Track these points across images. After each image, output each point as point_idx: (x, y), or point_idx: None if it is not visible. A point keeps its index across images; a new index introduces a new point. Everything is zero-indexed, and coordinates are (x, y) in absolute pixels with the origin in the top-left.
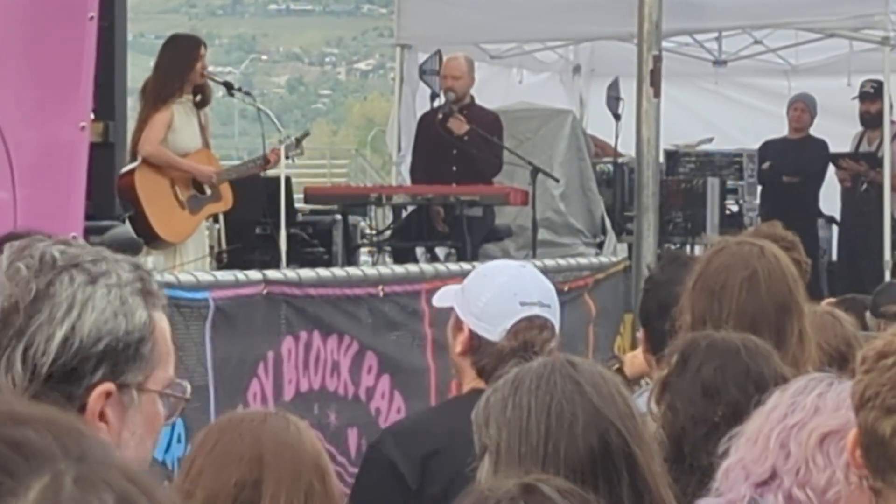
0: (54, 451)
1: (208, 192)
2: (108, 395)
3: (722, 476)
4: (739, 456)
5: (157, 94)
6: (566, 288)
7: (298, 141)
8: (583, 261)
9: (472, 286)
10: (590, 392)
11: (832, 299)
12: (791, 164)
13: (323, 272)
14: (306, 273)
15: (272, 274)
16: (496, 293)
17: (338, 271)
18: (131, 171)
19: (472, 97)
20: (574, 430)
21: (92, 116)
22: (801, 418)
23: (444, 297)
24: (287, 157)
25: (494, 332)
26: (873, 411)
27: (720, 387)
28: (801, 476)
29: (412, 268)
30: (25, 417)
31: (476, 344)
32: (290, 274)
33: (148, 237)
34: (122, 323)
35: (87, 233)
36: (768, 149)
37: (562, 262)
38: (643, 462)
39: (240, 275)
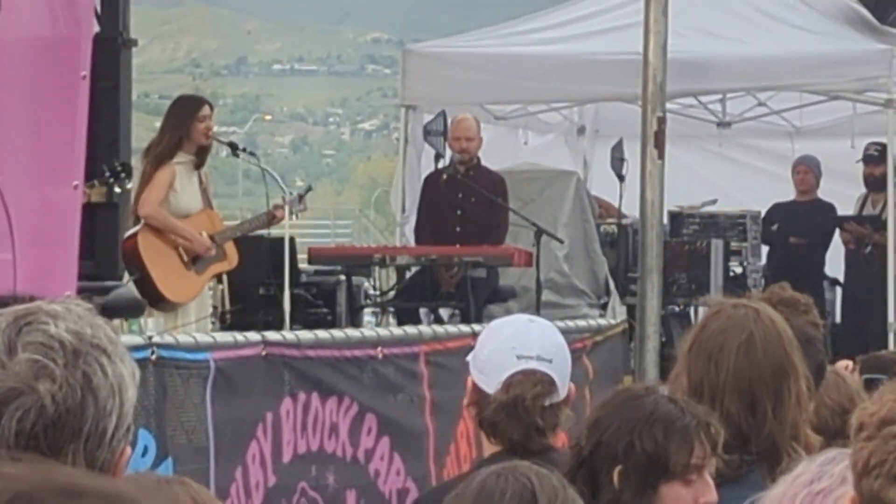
0: None
1: (212, 252)
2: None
3: None
4: None
5: (159, 153)
6: None
7: (301, 197)
8: (581, 323)
9: (481, 339)
10: None
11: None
12: (799, 226)
13: (322, 334)
14: (305, 334)
15: (271, 335)
16: (496, 346)
17: (337, 333)
18: (134, 235)
19: (478, 158)
20: None
21: (112, 176)
22: (828, 485)
23: (471, 353)
24: (291, 214)
25: (491, 384)
26: (879, 479)
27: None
28: None
29: (411, 330)
30: (87, 491)
31: (477, 397)
32: (289, 335)
33: (154, 299)
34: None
35: (90, 293)
36: (777, 211)
37: (560, 324)
38: None
39: (239, 336)
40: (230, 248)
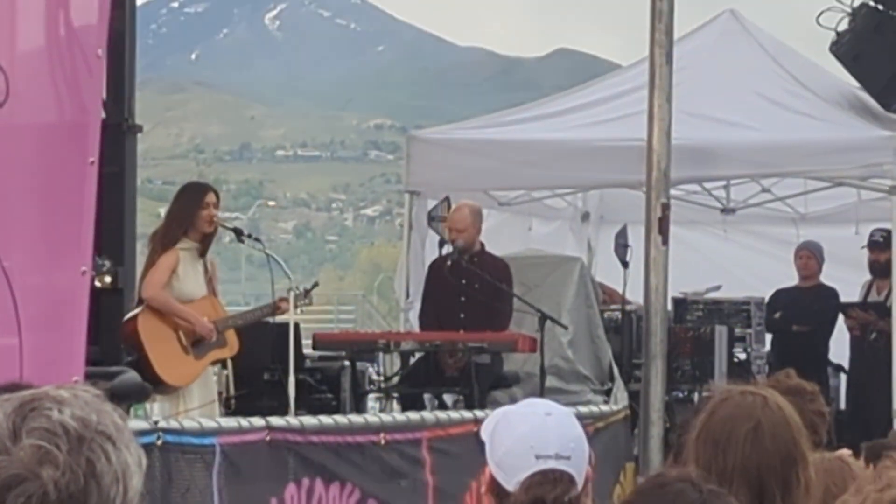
0: None
1: (213, 337)
2: None
3: None
4: None
5: (163, 239)
6: None
7: (307, 291)
8: (583, 409)
9: (498, 431)
10: None
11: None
12: (803, 312)
13: (325, 419)
14: (309, 420)
15: (275, 421)
16: (514, 444)
17: (340, 419)
18: (134, 317)
19: (481, 244)
20: None
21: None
22: None
23: (484, 429)
24: (296, 307)
25: (510, 483)
26: None
27: None
28: None
29: (413, 416)
30: None
31: (496, 488)
32: (293, 421)
33: (151, 381)
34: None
35: (95, 378)
36: (780, 297)
37: None
38: None
39: (243, 421)
40: (231, 335)
